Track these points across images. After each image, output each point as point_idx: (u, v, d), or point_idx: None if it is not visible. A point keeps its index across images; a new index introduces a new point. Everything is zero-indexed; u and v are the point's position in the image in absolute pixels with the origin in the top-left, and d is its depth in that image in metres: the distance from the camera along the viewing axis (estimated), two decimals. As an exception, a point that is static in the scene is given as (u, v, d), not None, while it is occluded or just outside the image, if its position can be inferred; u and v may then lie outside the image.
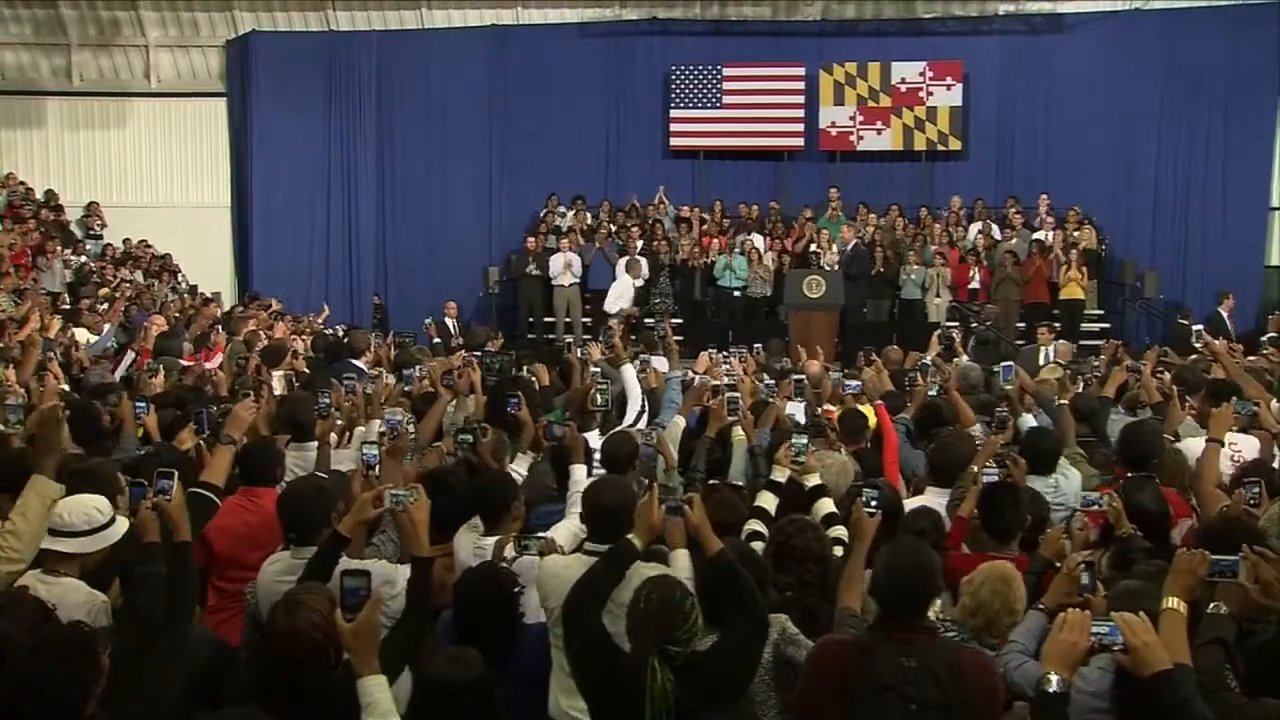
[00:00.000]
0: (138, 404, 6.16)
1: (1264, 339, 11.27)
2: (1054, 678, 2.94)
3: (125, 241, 18.49)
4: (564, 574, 3.85)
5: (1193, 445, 5.65)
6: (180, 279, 18.20)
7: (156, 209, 19.54)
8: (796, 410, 6.90)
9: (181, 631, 3.52)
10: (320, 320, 15.11)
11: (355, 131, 19.69)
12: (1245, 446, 5.98)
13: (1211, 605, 3.34)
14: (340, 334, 11.88)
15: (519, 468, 5.36)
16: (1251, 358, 9.00)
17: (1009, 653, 3.72)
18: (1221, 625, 3.29)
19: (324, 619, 3.12)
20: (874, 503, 4.00)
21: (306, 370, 9.32)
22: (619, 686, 3.30)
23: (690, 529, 3.74)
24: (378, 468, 4.65)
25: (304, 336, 12.62)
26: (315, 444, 5.77)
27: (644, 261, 17.20)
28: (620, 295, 16.49)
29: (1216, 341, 8.03)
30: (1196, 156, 18.86)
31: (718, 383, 6.64)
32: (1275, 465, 5.46)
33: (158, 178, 20.08)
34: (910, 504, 5.17)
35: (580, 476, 4.92)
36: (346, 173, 19.73)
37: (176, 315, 13.48)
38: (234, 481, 4.97)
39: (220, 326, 12.02)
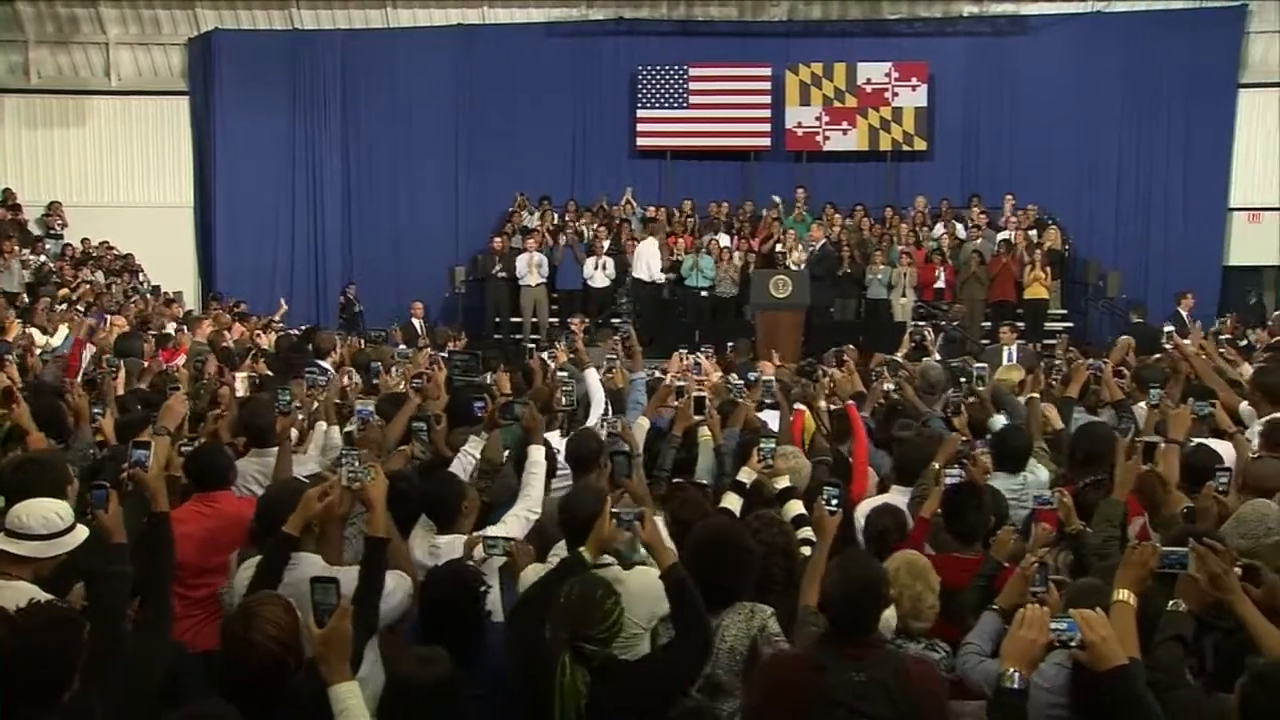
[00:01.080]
0: (94, 407, 6.08)
1: (1220, 338, 11.39)
2: (1015, 674, 2.96)
3: (84, 241, 18.27)
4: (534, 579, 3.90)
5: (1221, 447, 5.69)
6: (142, 279, 18.00)
7: (118, 208, 19.29)
8: (771, 418, 6.91)
9: (164, 603, 3.54)
10: (279, 317, 14.99)
11: (320, 131, 19.52)
12: (1222, 453, 6.03)
13: (1171, 603, 3.38)
14: (299, 334, 11.78)
15: (473, 450, 5.30)
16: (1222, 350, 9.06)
17: (966, 654, 3.78)
18: (1180, 622, 3.35)
19: (280, 629, 3.10)
20: (835, 501, 4.02)
21: (270, 373, 9.23)
22: (535, 682, 3.31)
23: (642, 544, 3.69)
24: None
25: (268, 334, 12.50)
26: (275, 449, 5.70)
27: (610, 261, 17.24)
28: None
29: (1186, 342, 8.09)
30: (1157, 158, 19.08)
31: (684, 383, 6.63)
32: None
33: (119, 177, 19.84)
34: (874, 502, 5.21)
35: (538, 457, 4.86)
36: (311, 172, 19.56)
37: (137, 316, 13.33)
38: (186, 490, 4.94)
39: (185, 327, 11.92)
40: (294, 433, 6.16)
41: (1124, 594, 3.26)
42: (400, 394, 6.81)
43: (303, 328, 12.91)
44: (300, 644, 3.15)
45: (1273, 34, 18.83)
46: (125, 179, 19.86)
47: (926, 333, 11.87)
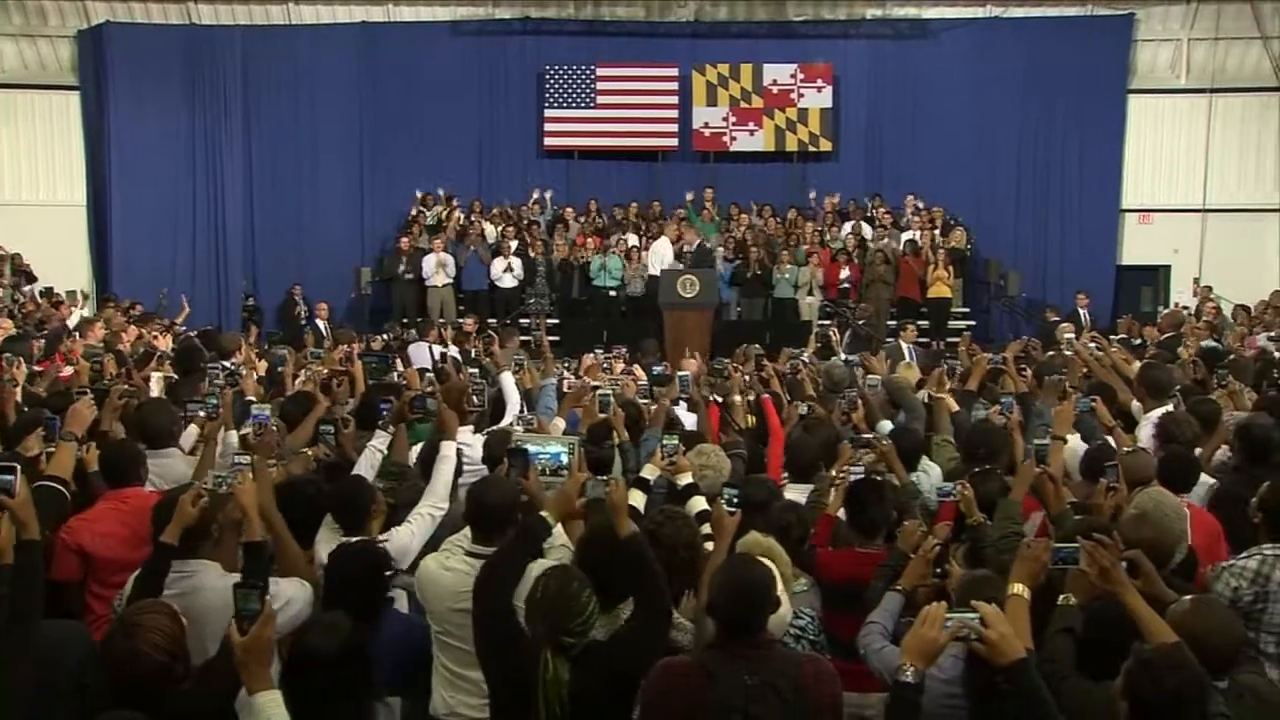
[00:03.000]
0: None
1: (1114, 339, 11.76)
2: (910, 669, 3.03)
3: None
4: (443, 576, 3.88)
5: (1075, 444, 5.89)
6: (27, 280, 17.37)
7: (4, 207, 18.66)
8: (689, 417, 6.96)
9: (25, 632, 3.34)
10: (181, 319, 14.65)
11: (220, 129, 19.02)
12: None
13: (1061, 597, 3.50)
14: (197, 335, 11.51)
15: (379, 444, 5.25)
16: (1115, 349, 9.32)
17: (869, 634, 3.85)
18: (1070, 615, 3.46)
19: (165, 637, 3.04)
20: (735, 501, 4.05)
21: (174, 375, 9.02)
22: (517, 673, 3.32)
23: (608, 508, 3.76)
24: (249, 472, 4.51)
25: (165, 336, 12.20)
26: (174, 451, 5.58)
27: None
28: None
29: (1090, 344, 8.32)
30: (1054, 159, 19.61)
31: (597, 384, 6.68)
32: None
33: (3, 174, 19.18)
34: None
35: (449, 452, 4.83)
36: (212, 171, 19.05)
37: (24, 318, 12.92)
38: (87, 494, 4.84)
39: (77, 332, 11.57)
40: (192, 431, 6.07)
41: (1019, 587, 3.37)
42: (307, 394, 6.72)
43: (189, 334, 12.58)
44: (187, 652, 3.09)
45: (1159, 42, 19.51)
46: (11, 176, 19.19)
47: (831, 333, 12.08)
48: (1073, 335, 8.95)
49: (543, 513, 3.84)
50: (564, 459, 4.56)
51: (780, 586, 3.68)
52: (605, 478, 3.95)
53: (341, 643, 3.09)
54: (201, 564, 3.83)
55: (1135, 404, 7.00)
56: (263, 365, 9.46)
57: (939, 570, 4.07)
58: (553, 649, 3.29)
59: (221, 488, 3.83)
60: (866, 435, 5.97)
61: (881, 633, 3.84)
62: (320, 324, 15.46)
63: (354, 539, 4.15)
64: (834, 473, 5.29)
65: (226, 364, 8.54)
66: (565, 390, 7.29)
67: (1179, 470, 5.16)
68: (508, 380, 7.19)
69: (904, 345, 12.19)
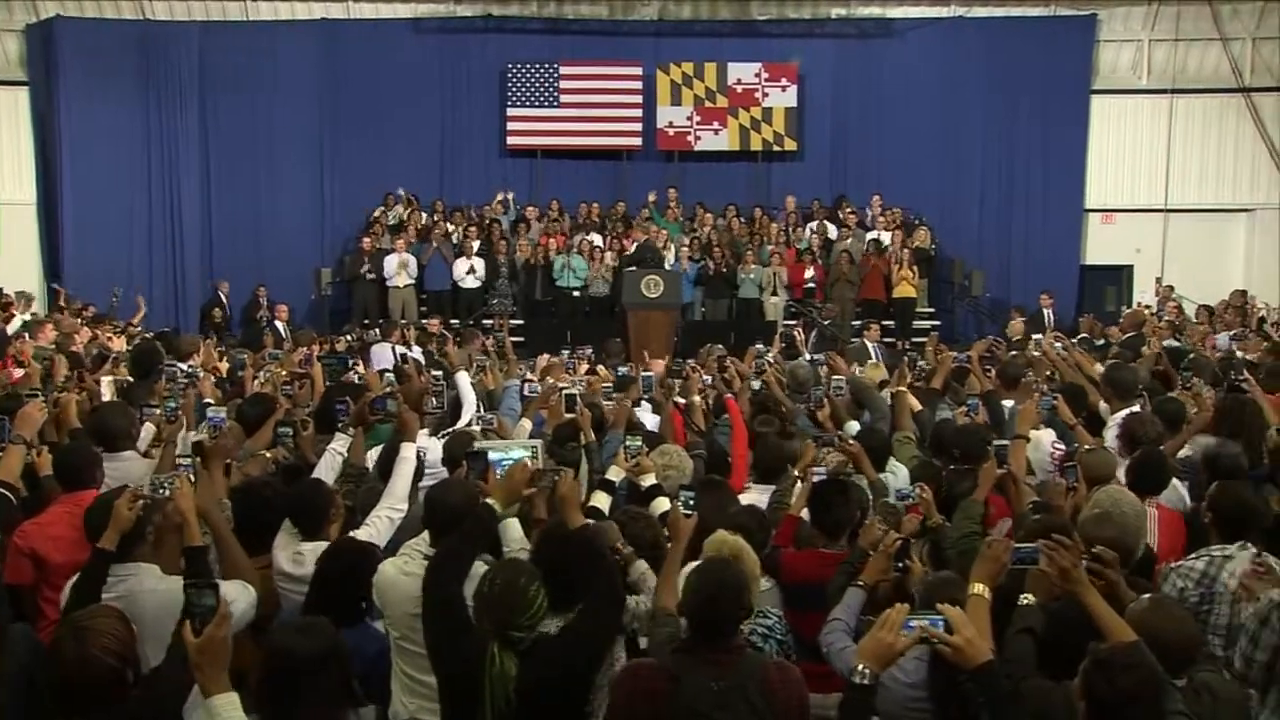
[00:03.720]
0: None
1: (1075, 339, 11.87)
2: (865, 670, 3.05)
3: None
4: (402, 581, 3.83)
5: (1040, 439, 5.93)
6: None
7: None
8: (653, 421, 6.97)
9: None
10: (137, 320, 14.50)
11: (177, 127, 18.82)
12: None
13: (1022, 597, 3.52)
14: (155, 337, 11.41)
15: (339, 447, 5.23)
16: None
17: (832, 631, 3.86)
18: (1031, 615, 3.48)
19: (116, 640, 2.98)
20: (691, 503, 4.08)
21: (130, 378, 8.93)
22: (465, 665, 3.30)
23: (557, 499, 3.77)
24: (193, 476, 4.48)
25: (120, 338, 12.07)
26: (131, 454, 5.55)
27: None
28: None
29: (1057, 345, 8.39)
30: (1018, 159, 19.75)
31: (564, 385, 6.70)
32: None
33: (-52, 171, 18.90)
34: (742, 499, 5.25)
35: (408, 454, 4.81)
36: (167, 170, 18.85)
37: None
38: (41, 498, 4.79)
39: (26, 333, 11.43)
40: (149, 432, 6.04)
41: (979, 587, 3.42)
42: (265, 396, 6.69)
43: (145, 334, 12.46)
44: (138, 656, 3.05)
45: (1121, 42, 19.73)
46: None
47: (796, 333, 12.12)
48: (1039, 337, 9.01)
49: (489, 500, 3.81)
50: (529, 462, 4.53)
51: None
52: (556, 468, 3.93)
53: (322, 645, 3.01)
54: (139, 567, 3.80)
55: (1103, 405, 7.06)
56: (225, 366, 9.41)
57: (900, 564, 4.11)
58: (500, 643, 3.28)
59: (161, 491, 3.79)
60: (833, 434, 5.99)
61: (844, 629, 3.86)
62: (280, 326, 15.32)
63: (344, 538, 4.16)
64: (797, 472, 5.31)
65: (183, 366, 8.50)
66: (527, 394, 7.26)
67: (1150, 472, 5.17)
68: (463, 381, 7.20)
69: (869, 345, 12.25)
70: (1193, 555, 4.27)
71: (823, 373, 8.34)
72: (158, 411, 6.09)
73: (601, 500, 4.72)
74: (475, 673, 3.26)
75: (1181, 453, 5.95)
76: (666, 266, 16.29)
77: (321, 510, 4.45)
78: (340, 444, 5.22)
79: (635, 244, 17.26)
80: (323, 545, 4.30)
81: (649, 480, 4.78)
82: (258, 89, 19.13)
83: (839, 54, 19.91)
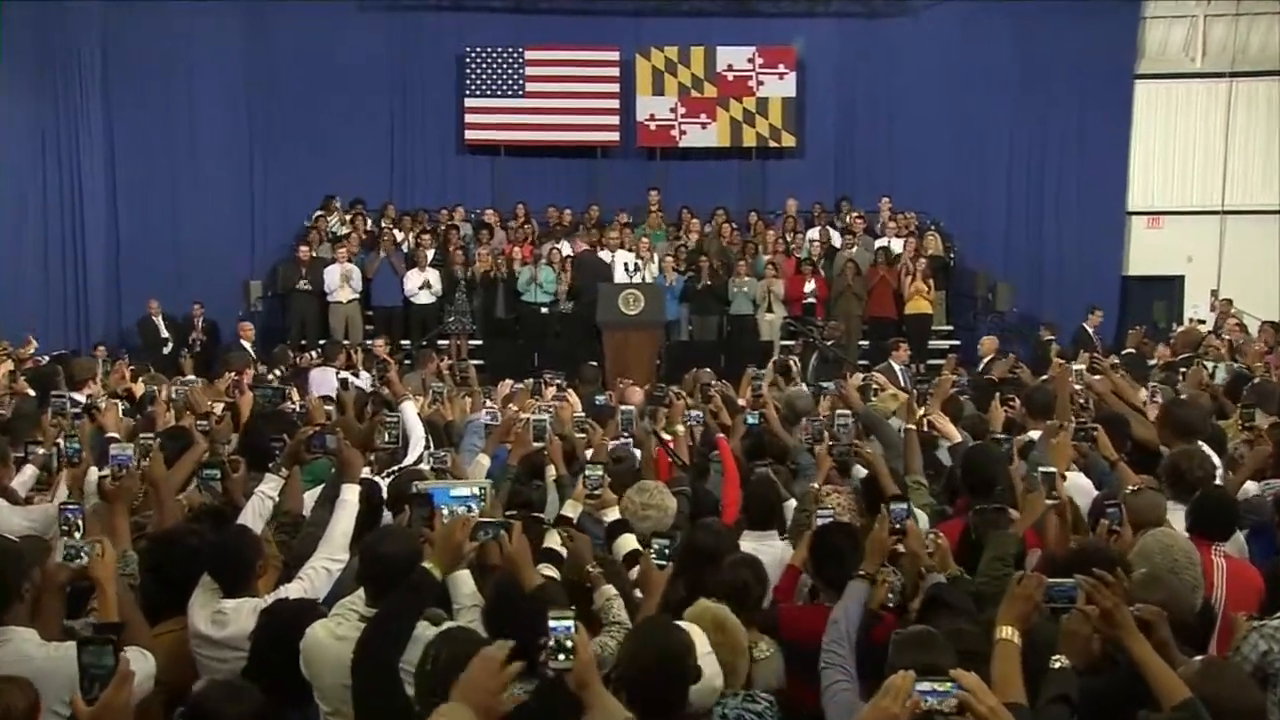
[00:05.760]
0: None
1: (1119, 355, 11.83)
2: None
3: None
4: (333, 646, 3.79)
5: (1077, 482, 5.84)
6: None
7: None
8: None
9: None
10: (26, 353, 14.32)
11: (78, 121, 18.59)
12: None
13: (1054, 660, 3.44)
14: (52, 361, 11.29)
15: (269, 490, 5.17)
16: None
17: (830, 665, 3.80)
18: (1064, 680, 3.38)
19: (22, 713, 2.95)
20: (665, 552, 4.12)
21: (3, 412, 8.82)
22: None
23: (505, 559, 3.79)
24: (81, 523, 4.35)
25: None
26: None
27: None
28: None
29: (1096, 378, 8.31)
30: (1050, 155, 19.90)
31: (528, 415, 6.65)
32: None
33: None
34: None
35: (350, 497, 4.79)
36: (67, 169, 18.59)
37: None
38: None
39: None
40: (27, 472, 5.96)
41: (1008, 631, 3.34)
42: (182, 429, 6.64)
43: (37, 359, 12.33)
44: None
45: (1171, 19, 19.84)
46: None
47: (793, 361, 12.06)
48: (1081, 367, 8.88)
49: (426, 563, 3.77)
50: (474, 506, 4.46)
51: (703, 650, 3.61)
52: (501, 520, 3.92)
53: (250, 711, 3.03)
54: (13, 632, 3.70)
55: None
56: (141, 388, 9.33)
57: (897, 526, 4.29)
58: None
59: (75, 560, 3.73)
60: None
61: (843, 649, 3.81)
62: (246, 345, 15.04)
63: (289, 599, 4.14)
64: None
65: (77, 396, 8.39)
66: (487, 423, 7.22)
67: (1214, 514, 5.07)
68: (409, 411, 7.11)
69: (896, 367, 12.12)
70: (1278, 615, 4.13)
71: (824, 404, 8.27)
72: (41, 450, 5.99)
73: (557, 540, 4.72)
74: None
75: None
76: (646, 279, 16.21)
77: (246, 562, 4.39)
78: (270, 486, 5.17)
79: (572, 257, 17.26)
80: (249, 603, 4.25)
81: (612, 514, 4.81)
82: (173, 77, 19.05)
83: (844, 36, 20.06)
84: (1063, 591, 3.47)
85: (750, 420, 7.59)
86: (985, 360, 12.97)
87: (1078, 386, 8.45)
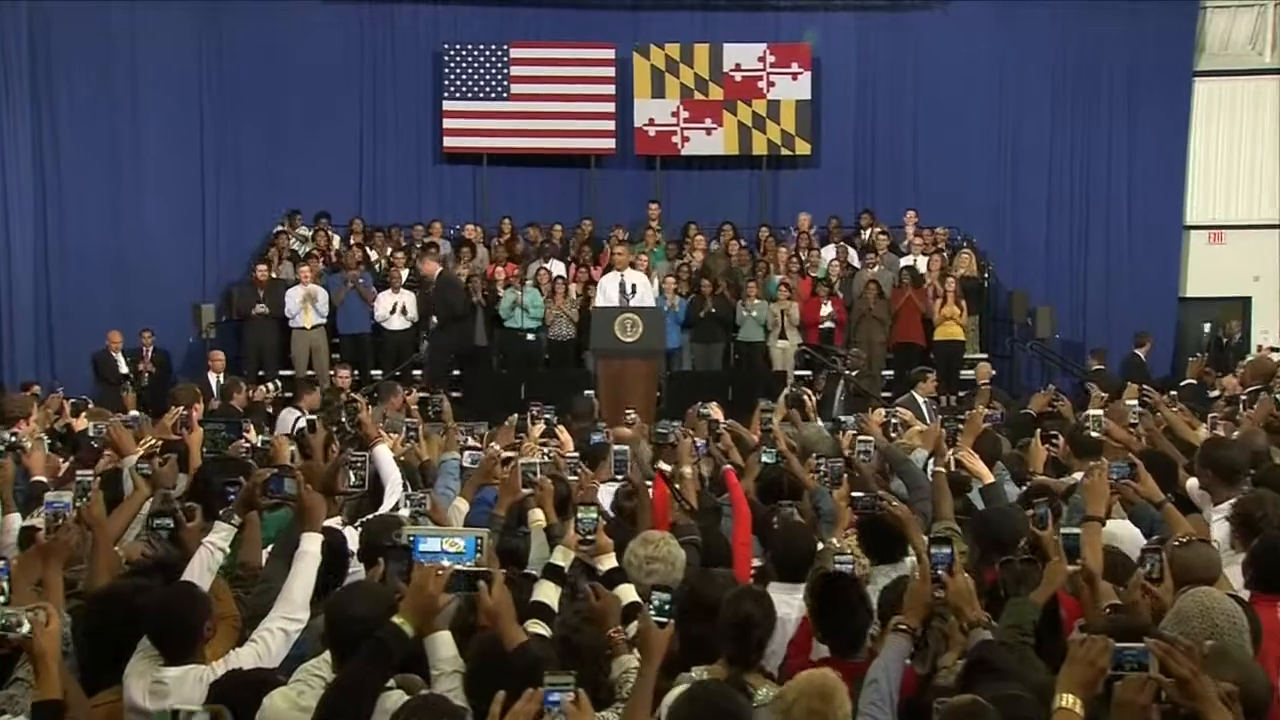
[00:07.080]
0: None
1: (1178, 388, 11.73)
2: None
3: None
4: (295, 717, 3.83)
5: (1119, 531, 5.80)
6: None
7: None
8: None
9: None
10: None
11: (1, 125, 18.46)
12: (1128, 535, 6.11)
13: None
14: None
15: (219, 540, 5.06)
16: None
17: (869, 705, 3.88)
18: None
19: None
20: (666, 608, 4.10)
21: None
22: None
23: (485, 615, 3.86)
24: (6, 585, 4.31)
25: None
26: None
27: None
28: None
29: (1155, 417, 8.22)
30: (1096, 163, 19.87)
31: (510, 454, 6.62)
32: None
33: None
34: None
35: (311, 548, 4.76)
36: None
37: None
38: None
39: None
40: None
41: (1069, 699, 3.32)
42: (114, 472, 6.70)
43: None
44: None
45: (1236, 8, 19.81)
46: None
47: (806, 395, 11.96)
48: (1136, 403, 8.80)
49: (396, 619, 3.78)
50: (475, 556, 4.41)
51: None
52: (479, 570, 4.00)
53: None
54: None
55: (1191, 482, 6.82)
56: (83, 423, 9.30)
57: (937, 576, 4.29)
58: None
59: (14, 631, 3.67)
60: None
61: (885, 703, 3.88)
62: (212, 379, 15.01)
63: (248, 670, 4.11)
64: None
65: (6, 435, 8.33)
66: (467, 465, 7.23)
67: (1276, 565, 4.98)
68: (384, 456, 7.06)
69: (920, 399, 12.08)
70: None
71: (843, 439, 8.22)
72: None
73: (549, 593, 4.72)
74: None
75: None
76: (646, 302, 16.13)
77: (191, 626, 4.34)
78: (220, 536, 5.06)
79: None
80: (194, 671, 4.22)
81: (607, 563, 4.83)
82: (113, 78, 18.91)
83: (864, 31, 20.15)
84: (1133, 656, 3.37)
85: (766, 458, 7.53)
86: (982, 384, 12.96)
87: (1134, 422, 8.39)
